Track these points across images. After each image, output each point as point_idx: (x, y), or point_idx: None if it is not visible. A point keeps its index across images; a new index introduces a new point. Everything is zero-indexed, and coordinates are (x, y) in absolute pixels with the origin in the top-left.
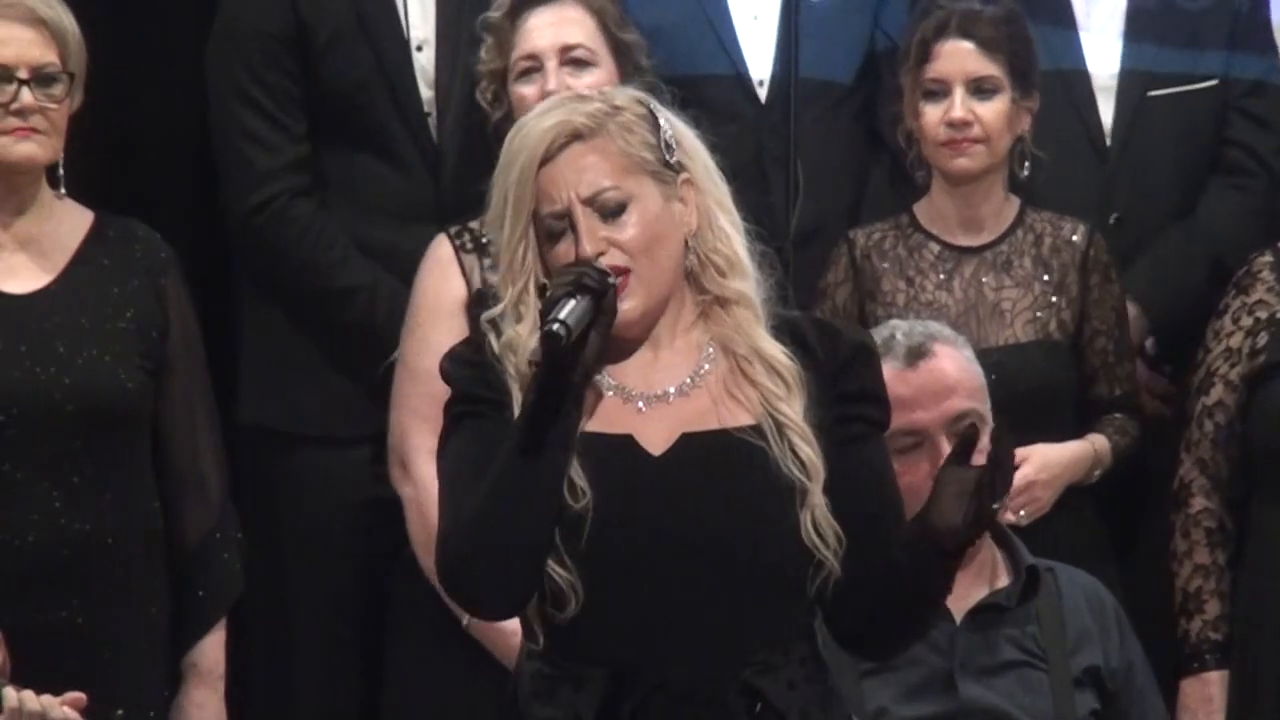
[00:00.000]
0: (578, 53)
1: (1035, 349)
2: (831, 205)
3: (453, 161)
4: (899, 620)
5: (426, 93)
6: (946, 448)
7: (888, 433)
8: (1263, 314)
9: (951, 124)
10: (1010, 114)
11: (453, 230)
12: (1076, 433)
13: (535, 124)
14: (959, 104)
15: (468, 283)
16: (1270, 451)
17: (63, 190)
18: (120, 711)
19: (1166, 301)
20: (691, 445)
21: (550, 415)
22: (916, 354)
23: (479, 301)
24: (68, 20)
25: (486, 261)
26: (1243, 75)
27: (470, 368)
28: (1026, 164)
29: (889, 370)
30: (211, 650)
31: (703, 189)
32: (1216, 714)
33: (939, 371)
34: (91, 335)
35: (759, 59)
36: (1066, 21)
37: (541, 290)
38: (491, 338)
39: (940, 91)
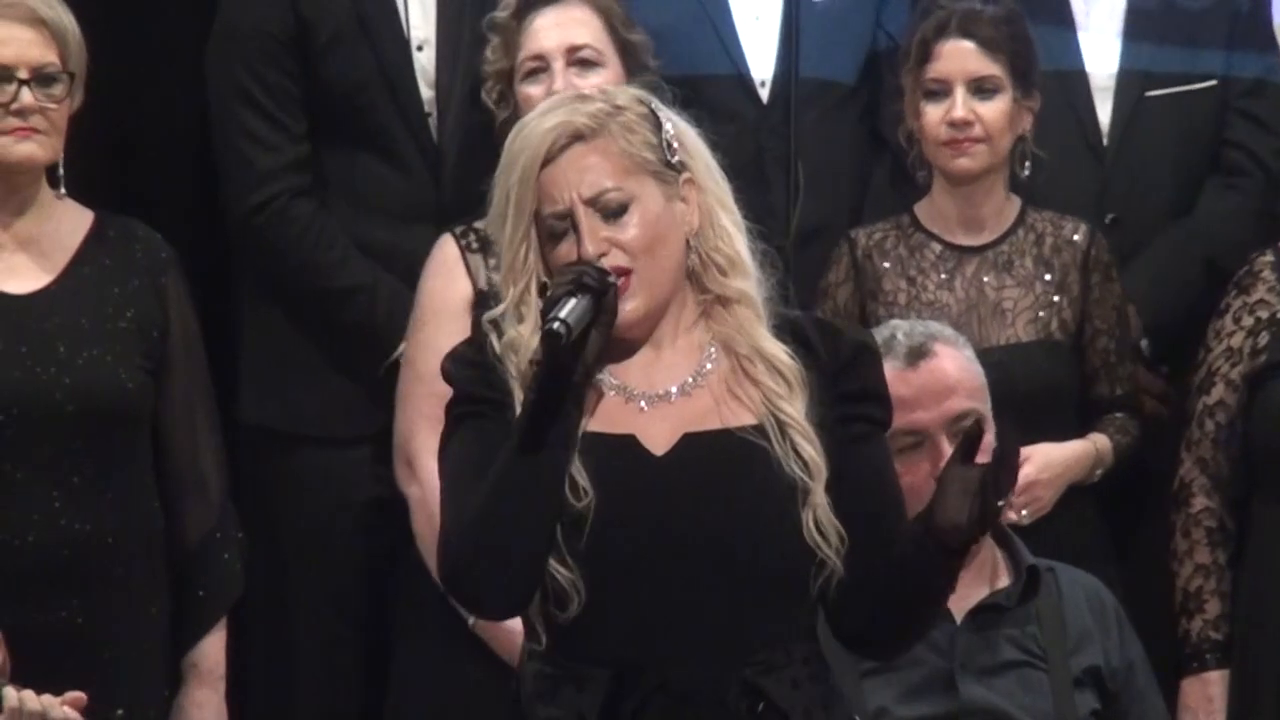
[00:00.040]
0: (584, 53)
1: (1036, 348)
2: (832, 205)
3: (453, 161)
4: (901, 619)
5: (427, 93)
6: (947, 448)
7: (888, 433)
8: (1264, 313)
9: (953, 124)
10: (1011, 114)
11: (458, 230)
12: (1078, 432)
13: (537, 124)
14: (960, 104)
15: (474, 283)
16: (1271, 451)
17: (63, 190)
18: (120, 711)
19: (1162, 302)
20: (694, 445)
21: (551, 414)
22: (917, 354)
23: (485, 302)
24: (68, 20)
25: (492, 261)
26: (1242, 74)
27: (472, 368)
28: (1027, 164)
29: (889, 370)
30: (212, 650)
31: (704, 188)
32: (1217, 714)
33: (939, 371)
34: (92, 335)
35: (760, 59)
36: (1065, 21)
37: (542, 290)
38: (493, 338)
39: (941, 91)
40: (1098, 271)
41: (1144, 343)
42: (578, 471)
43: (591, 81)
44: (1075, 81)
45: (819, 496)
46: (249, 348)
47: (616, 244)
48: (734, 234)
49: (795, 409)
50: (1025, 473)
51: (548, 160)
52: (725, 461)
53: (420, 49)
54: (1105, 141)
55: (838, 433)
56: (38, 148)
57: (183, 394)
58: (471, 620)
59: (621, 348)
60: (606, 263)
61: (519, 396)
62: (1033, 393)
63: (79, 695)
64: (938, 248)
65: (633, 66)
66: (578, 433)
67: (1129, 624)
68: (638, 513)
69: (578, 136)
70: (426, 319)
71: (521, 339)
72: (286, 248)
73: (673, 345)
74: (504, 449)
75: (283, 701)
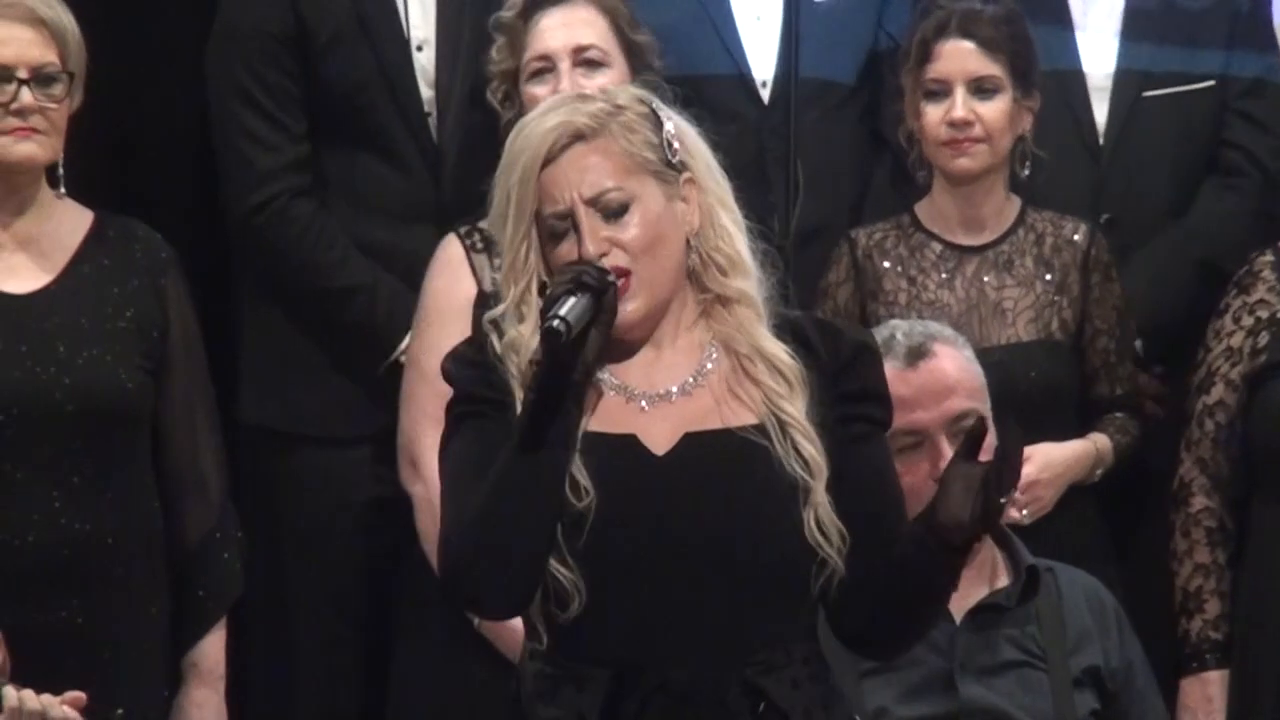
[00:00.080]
0: (590, 54)
1: (1037, 348)
2: (833, 205)
3: (453, 161)
4: (902, 619)
5: (427, 93)
6: (947, 447)
7: (888, 433)
8: (1264, 313)
9: (953, 124)
10: (1011, 113)
11: (463, 230)
12: (1078, 432)
13: (537, 124)
14: (960, 104)
15: (478, 282)
16: (1271, 451)
17: (63, 190)
18: (120, 711)
19: (1160, 302)
20: (694, 445)
21: (551, 413)
22: (917, 354)
23: (488, 302)
24: (68, 20)
25: (496, 261)
26: (1241, 74)
27: (472, 368)
28: (1027, 164)
29: (889, 370)
30: (211, 650)
31: (705, 187)
32: (1216, 714)
33: (939, 371)
34: (91, 335)
35: (761, 59)
36: (1063, 21)
37: (543, 289)
38: (494, 338)
39: (941, 91)
40: (1098, 271)
41: (1138, 343)
42: (578, 471)
43: (597, 82)
44: (1072, 81)
45: (820, 496)
46: (249, 348)
47: (617, 244)
48: (734, 234)
49: (796, 408)
50: (1026, 472)
51: (548, 160)
52: (726, 461)
53: (420, 49)
54: (1101, 141)
55: (838, 433)
56: (37, 148)
57: (183, 394)
58: (478, 620)
59: (622, 348)
60: (607, 262)
61: (519, 396)
62: (1033, 393)
63: (79, 695)
64: (938, 247)
65: (638, 67)
66: (578, 432)
67: (1128, 624)
68: (639, 512)
69: (578, 136)
70: (431, 319)
71: (522, 338)
72: (286, 248)
73: (673, 345)
74: (504, 448)
75: (283, 701)
